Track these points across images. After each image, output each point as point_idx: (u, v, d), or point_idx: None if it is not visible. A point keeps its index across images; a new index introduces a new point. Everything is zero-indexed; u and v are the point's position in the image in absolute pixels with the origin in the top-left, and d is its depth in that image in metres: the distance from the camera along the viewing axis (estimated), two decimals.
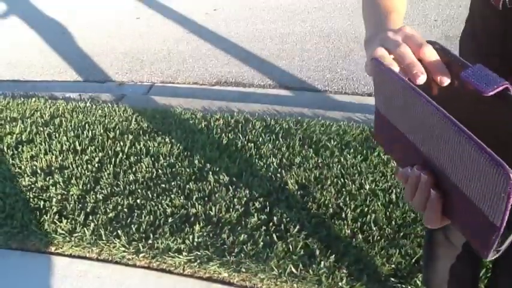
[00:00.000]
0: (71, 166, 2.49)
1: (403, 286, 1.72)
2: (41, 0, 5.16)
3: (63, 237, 2.09)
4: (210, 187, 2.25)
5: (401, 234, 1.90)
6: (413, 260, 1.80)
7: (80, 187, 2.33)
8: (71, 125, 2.85)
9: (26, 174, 2.45)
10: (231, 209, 2.11)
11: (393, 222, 1.94)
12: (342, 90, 3.20)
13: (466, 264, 1.20)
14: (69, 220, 2.16)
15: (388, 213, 1.99)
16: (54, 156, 2.56)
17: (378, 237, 1.89)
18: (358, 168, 2.25)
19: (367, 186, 2.12)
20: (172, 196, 2.22)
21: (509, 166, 0.44)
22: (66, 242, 2.08)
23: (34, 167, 2.50)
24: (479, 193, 0.48)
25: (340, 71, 3.38)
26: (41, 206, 2.24)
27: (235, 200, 2.16)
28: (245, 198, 2.16)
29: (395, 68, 0.58)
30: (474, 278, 1.24)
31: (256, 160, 2.40)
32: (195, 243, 1.98)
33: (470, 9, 0.92)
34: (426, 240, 1.32)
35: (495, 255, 0.50)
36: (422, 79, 0.55)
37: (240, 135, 2.59)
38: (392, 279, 1.76)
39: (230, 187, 2.23)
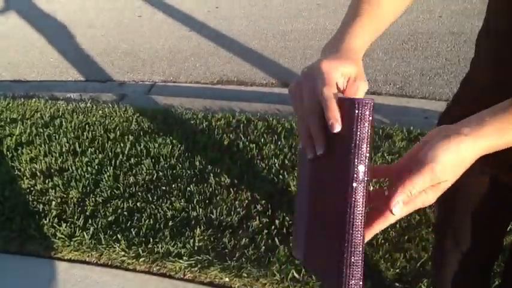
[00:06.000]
0: (70, 168, 2.46)
1: None
2: None
3: (62, 241, 2.06)
4: (211, 189, 2.22)
5: (406, 237, 1.86)
6: (418, 264, 1.76)
7: (80, 190, 2.30)
8: (71, 126, 2.82)
9: (25, 177, 2.42)
10: (232, 212, 2.08)
11: (397, 225, 1.90)
12: None
13: (475, 272, 1.16)
14: (68, 224, 2.13)
15: None
16: (53, 159, 2.53)
17: (382, 241, 1.85)
18: None
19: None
20: (173, 199, 2.19)
21: None
22: (66, 246, 2.05)
23: (33, 170, 2.47)
24: None
25: None
26: (40, 210, 2.22)
27: (237, 202, 2.12)
28: (247, 201, 2.13)
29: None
30: (484, 287, 1.20)
31: (258, 161, 2.36)
32: (195, 248, 1.95)
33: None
34: (435, 247, 1.28)
35: None
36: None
37: (242, 136, 2.55)
38: (397, 284, 1.72)
39: (231, 189, 2.19)
